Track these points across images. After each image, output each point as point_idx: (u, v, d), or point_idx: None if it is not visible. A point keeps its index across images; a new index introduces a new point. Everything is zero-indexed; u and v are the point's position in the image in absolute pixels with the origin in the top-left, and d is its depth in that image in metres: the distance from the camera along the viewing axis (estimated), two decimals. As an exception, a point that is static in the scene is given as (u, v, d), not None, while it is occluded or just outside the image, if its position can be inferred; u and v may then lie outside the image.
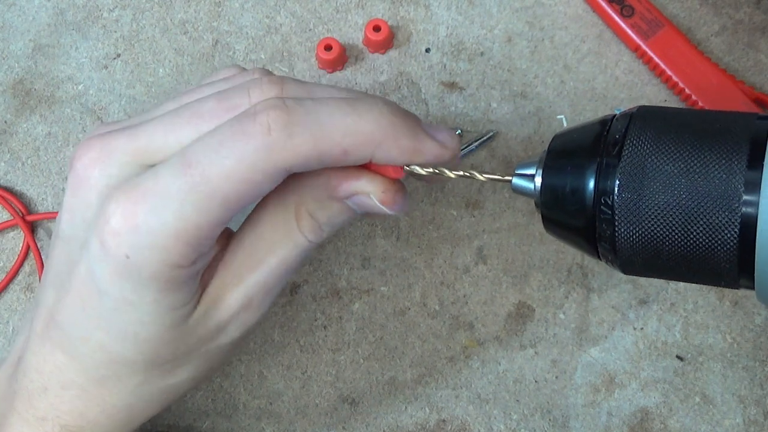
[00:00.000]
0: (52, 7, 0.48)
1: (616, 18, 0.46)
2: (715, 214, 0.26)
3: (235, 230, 0.33)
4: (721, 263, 0.27)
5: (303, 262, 0.33)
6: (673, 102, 0.45)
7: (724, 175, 0.26)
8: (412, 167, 0.31)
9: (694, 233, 0.27)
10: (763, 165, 0.26)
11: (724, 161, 0.27)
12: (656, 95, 0.46)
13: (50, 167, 0.46)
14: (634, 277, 0.43)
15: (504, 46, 0.47)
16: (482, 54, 0.47)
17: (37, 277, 0.44)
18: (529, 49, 0.47)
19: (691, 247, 0.27)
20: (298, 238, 0.32)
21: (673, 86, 0.45)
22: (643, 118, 0.29)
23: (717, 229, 0.27)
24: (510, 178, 0.32)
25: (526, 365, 0.42)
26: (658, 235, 0.28)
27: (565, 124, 0.45)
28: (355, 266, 0.44)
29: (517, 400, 0.42)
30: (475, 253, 0.44)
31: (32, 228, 0.45)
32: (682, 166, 0.27)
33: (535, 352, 0.42)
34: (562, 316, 0.43)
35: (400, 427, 0.42)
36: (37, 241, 0.44)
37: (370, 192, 0.31)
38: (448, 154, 0.31)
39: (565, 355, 0.42)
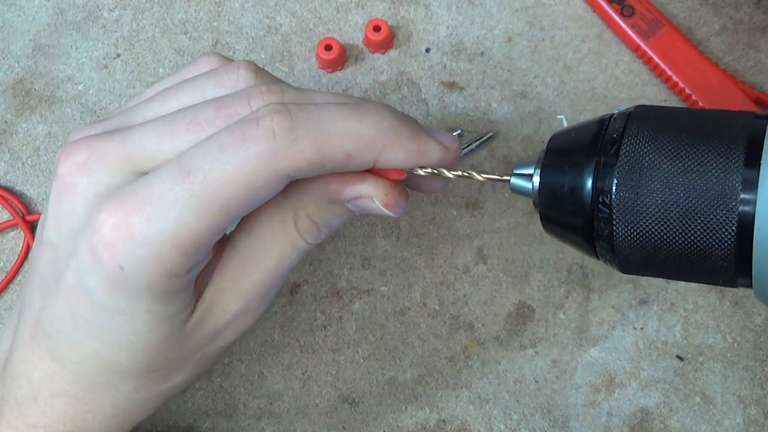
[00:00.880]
0: (52, 7, 0.49)
1: (617, 18, 0.46)
2: (712, 212, 0.26)
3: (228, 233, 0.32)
4: (719, 261, 0.27)
5: (300, 263, 0.33)
6: (673, 102, 0.45)
7: (721, 174, 0.26)
8: (414, 168, 0.31)
9: (692, 232, 0.27)
10: (760, 163, 0.26)
11: (721, 159, 0.27)
12: (656, 95, 0.46)
13: (50, 167, 0.46)
14: (634, 276, 0.43)
15: (504, 46, 0.47)
16: (482, 54, 0.47)
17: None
18: (529, 49, 0.47)
19: (689, 245, 0.27)
20: (295, 240, 0.31)
21: (673, 86, 0.45)
22: (640, 117, 0.29)
23: (714, 228, 0.27)
24: (508, 177, 0.32)
25: (526, 365, 0.42)
26: (656, 233, 0.28)
27: (565, 124, 0.45)
28: (355, 266, 0.44)
29: (517, 400, 0.42)
30: (475, 253, 0.44)
31: (32, 228, 0.44)
32: (680, 164, 0.27)
33: (535, 352, 0.42)
34: (562, 316, 0.43)
35: (400, 427, 0.42)
36: (37, 241, 0.44)
37: (372, 195, 0.31)
38: (451, 155, 0.31)
39: (565, 355, 0.42)
